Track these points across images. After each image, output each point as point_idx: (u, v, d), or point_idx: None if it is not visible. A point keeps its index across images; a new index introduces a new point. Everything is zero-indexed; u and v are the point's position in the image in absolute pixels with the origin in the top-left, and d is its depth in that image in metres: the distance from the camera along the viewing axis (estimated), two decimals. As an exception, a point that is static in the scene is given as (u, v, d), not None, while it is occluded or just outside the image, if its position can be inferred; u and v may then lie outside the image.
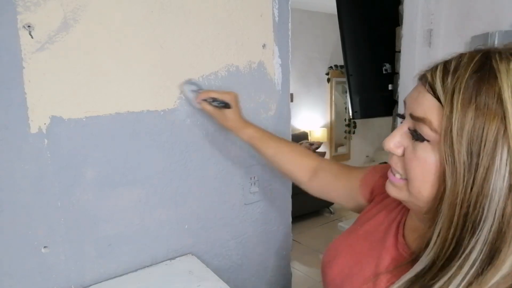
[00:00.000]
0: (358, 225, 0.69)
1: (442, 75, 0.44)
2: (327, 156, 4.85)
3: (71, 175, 0.76)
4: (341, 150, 5.23)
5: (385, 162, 0.60)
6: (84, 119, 0.76)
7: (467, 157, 0.41)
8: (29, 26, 0.68)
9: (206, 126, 0.94)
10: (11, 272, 0.72)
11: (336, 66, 4.88)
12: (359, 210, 0.76)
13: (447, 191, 0.44)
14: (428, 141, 0.46)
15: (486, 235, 0.41)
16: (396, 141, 0.51)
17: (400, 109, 0.54)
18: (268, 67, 1.03)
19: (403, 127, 0.50)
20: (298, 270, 2.94)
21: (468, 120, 0.40)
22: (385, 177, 0.59)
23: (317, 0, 4.00)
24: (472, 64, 0.42)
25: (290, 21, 1.06)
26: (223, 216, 1.01)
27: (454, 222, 0.43)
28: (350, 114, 2.22)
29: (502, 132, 0.39)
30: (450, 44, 1.64)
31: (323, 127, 4.92)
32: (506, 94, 0.39)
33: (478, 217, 0.41)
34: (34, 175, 0.72)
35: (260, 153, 0.88)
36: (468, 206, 0.41)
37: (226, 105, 0.83)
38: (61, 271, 0.78)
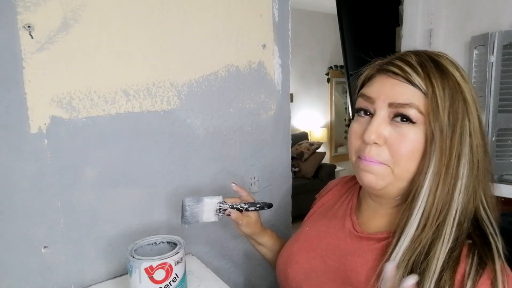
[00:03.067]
0: (306, 226, 0.74)
1: (411, 67, 0.53)
2: (327, 156, 4.85)
3: (71, 175, 0.76)
4: (341, 150, 5.23)
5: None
6: (84, 119, 0.76)
7: (449, 129, 0.51)
8: (29, 26, 0.68)
9: (206, 126, 0.94)
10: (11, 272, 0.72)
11: (336, 66, 4.87)
12: None
13: (435, 160, 0.52)
14: (414, 123, 0.52)
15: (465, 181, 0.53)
16: (377, 132, 0.54)
17: (359, 105, 0.59)
18: (268, 67, 1.03)
19: (380, 117, 0.54)
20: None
21: (447, 100, 0.51)
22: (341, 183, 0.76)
23: (317, 0, 4.00)
24: (427, 58, 0.54)
25: (290, 21, 1.06)
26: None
27: (441, 184, 0.52)
28: (350, 114, 2.22)
29: (465, 106, 0.53)
30: (450, 44, 1.64)
31: (323, 127, 4.92)
32: (459, 79, 0.53)
33: (459, 173, 0.52)
34: (34, 175, 0.72)
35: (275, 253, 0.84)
36: (451, 167, 0.52)
37: (269, 205, 0.78)
38: (61, 271, 0.78)
